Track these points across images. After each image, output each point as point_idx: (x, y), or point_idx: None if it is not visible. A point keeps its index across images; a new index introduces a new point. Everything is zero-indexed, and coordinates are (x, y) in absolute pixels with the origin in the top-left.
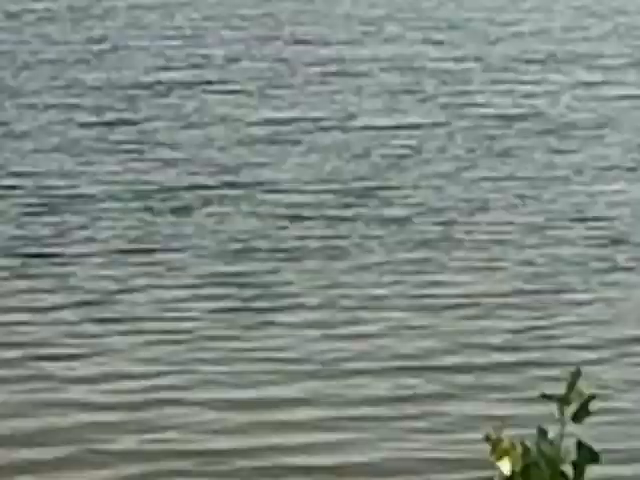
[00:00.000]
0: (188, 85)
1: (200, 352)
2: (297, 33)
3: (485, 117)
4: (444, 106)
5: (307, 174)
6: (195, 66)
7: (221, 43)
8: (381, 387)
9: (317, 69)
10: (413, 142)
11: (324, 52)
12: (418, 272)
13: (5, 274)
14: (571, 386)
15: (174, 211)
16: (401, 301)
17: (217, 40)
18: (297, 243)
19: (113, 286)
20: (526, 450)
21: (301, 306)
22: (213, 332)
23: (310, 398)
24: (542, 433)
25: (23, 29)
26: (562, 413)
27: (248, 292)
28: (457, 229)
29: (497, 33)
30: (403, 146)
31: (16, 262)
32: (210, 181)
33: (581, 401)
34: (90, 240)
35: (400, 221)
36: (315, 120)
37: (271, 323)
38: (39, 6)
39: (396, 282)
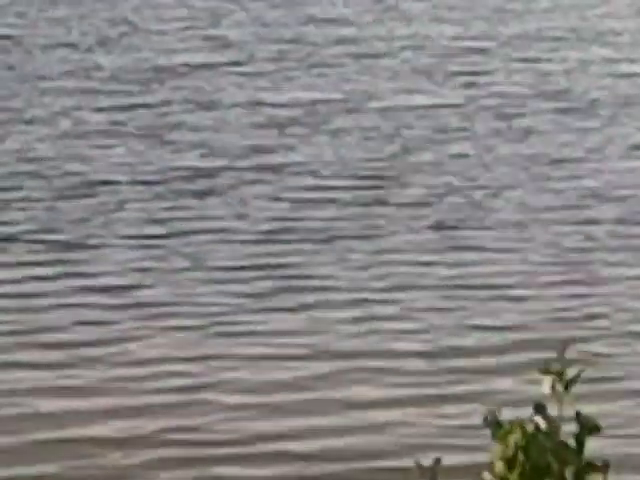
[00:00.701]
0: (207, 67)
1: (228, 337)
2: (315, 13)
3: (506, 96)
4: (464, 86)
5: (329, 156)
6: (213, 48)
7: (239, 24)
8: (414, 368)
9: (336, 49)
10: (435, 122)
11: (342, 32)
12: (445, 253)
13: (25, 260)
14: (560, 359)
15: (197, 195)
16: (430, 281)
17: (235, 21)
18: (323, 225)
19: (139, 272)
20: (524, 431)
21: (331, 288)
22: (242, 317)
23: (343, 380)
24: (539, 408)
25: (36, 12)
26: (555, 387)
27: (276, 275)
28: (482, 210)
29: (513, 10)
30: (425, 127)
31: (36, 248)
32: (232, 164)
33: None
34: (112, 225)
35: (425, 202)
36: (336, 101)
37: (301, 306)
38: None
39: (424, 263)
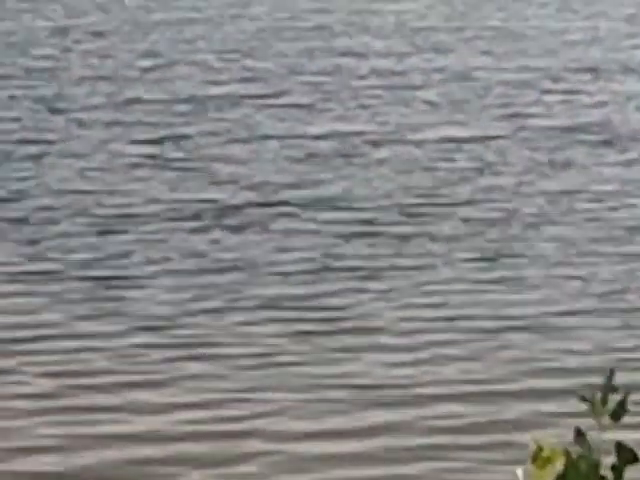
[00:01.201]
0: (242, 99)
1: (268, 379)
2: (349, 45)
3: (543, 129)
4: (501, 118)
5: (365, 190)
6: (248, 80)
7: (273, 56)
8: (458, 413)
9: (372, 81)
10: (472, 155)
11: (377, 64)
12: (485, 290)
13: (61, 298)
14: (607, 387)
15: (234, 229)
16: (469, 323)
17: (269, 53)
18: (360, 262)
19: (174, 309)
20: (568, 455)
21: (370, 329)
22: (282, 358)
23: (384, 426)
24: (580, 435)
25: (71, 44)
26: (599, 415)
27: (313, 314)
28: (521, 243)
29: (550, 42)
30: (462, 159)
31: (72, 286)
32: (269, 198)
33: (618, 400)
34: (148, 261)
35: (463, 236)
36: (372, 134)
37: (346, 348)
38: (86, 21)
39: (464, 302)
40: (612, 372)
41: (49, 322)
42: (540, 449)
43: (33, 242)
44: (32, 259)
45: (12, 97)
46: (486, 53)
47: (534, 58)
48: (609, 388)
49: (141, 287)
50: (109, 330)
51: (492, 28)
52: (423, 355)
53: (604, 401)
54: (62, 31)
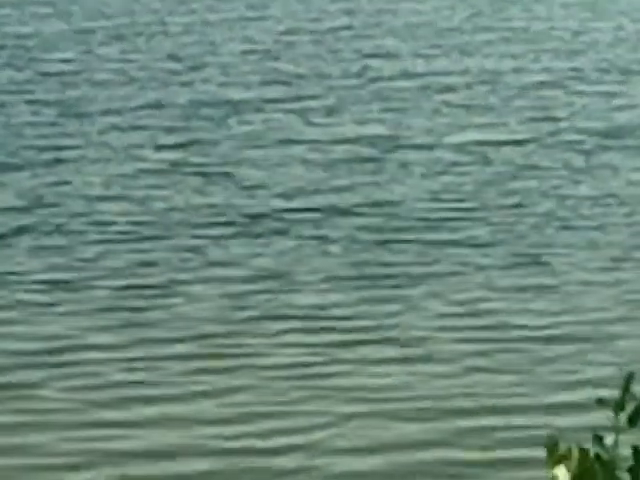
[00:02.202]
0: (265, 103)
1: (300, 391)
2: (374, 46)
3: (576, 131)
4: (532, 121)
5: (394, 195)
6: (272, 83)
7: (297, 59)
8: (492, 427)
9: (397, 84)
10: (503, 159)
11: (403, 66)
12: (519, 299)
13: (91, 307)
14: (625, 391)
15: (263, 237)
16: (502, 333)
17: (293, 56)
18: (391, 270)
19: (209, 319)
20: (584, 455)
21: (402, 340)
22: (328, 368)
23: (418, 440)
24: (597, 439)
25: (94, 47)
26: (617, 418)
27: (345, 324)
28: (554, 250)
29: (575, 43)
30: (493, 163)
31: (102, 294)
32: (295, 205)
33: (636, 405)
34: (180, 270)
35: (495, 243)
36: (398, 138)
37: (373, 359)
38: (110, 23)
39: (496, 311)
40: (631, 376)
41: (78, 334)
42: (555, 446)
43: (62, 250)
44: (61, 268)
45: (35, 102)
46: (512, 54)
47: (561, 59)
48: (627, 393)
49: (172, 295)
50: (139, 340)
51: (517, 29)
52: (456, 367)
53: (621, 406)
54: (85, 32)
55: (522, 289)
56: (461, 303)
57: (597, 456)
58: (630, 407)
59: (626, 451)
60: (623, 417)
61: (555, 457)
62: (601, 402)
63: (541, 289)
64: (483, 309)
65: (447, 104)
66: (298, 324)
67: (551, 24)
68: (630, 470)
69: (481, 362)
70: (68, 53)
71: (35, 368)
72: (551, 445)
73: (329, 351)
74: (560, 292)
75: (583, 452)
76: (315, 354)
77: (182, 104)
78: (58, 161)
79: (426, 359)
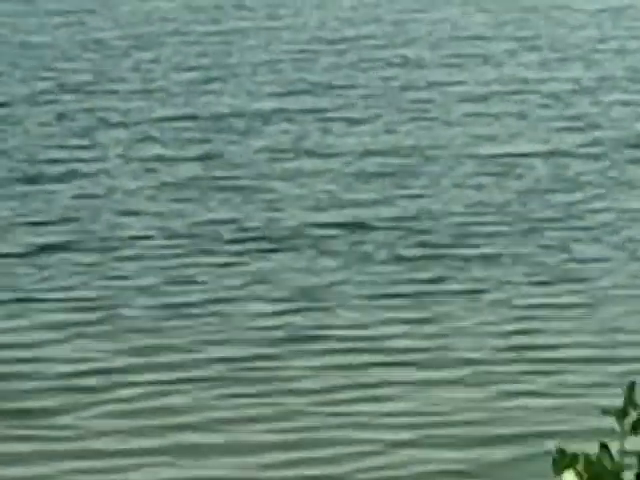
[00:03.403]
0: (289, 114)
1: (333, 418)
2: (398, 56)
3: (610, 141)
4: (564, 131)
5: (423, 208)
6: (295, 93)
7: (321, 69)
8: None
9: (422, 94)
10: (536, 170)
11: (427, 75)
12: (552, 317)
13: (127, 327)
14: (628, 399)
15: (295, 252)
16: (538, 353)
17: (317, 66)
18: (421, 287)
19: (266, 339)
20: (589, 462)
21: (435, 362)
22: (345, 394)
23: (451, 468)
24: (603, 447)
25: (114, 56)
26: (621, 427)
27: (375, 345)
28: (588, 266)
29: (599, 51)
30: (525, 175)
31: (134, 314)
32: (325, 219)
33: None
34: (212, 288)
35: (528, 257)
36: (424, 149)
37: (405, 382)
38: (129, 32)
39: (530, 330)
40: (633, 385)
41: (106, 356)
42: (562, 454)
43: (90, 267)
44: (87, 286)
45: (55, 113)
46: (538, 63)
47: (588, 68)
48: (630, 401)
49: (204, 316)
50: (169, 364)
51: (539, 37)
52: (489, 391)
53: (625, 414)
54: (103, 42)
55: (555, 306)
56: (493, 323)
57: (601, 462)
58: (633, 415)
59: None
60: (627, 424)
61: (563, 463)
62: (606, 412)
63: (578, 308)
64: (520, 329)
65: (476, 114)
66: (334, 345)
67: (573, 32)
68: (638, 476)
69: (519, 386)
70: (87, 64)
71: (62, 392)
72: (559, 453)
73: (364, 374)
74: (598, 311)
75: (589, 458)
76: (350, 377)
77: (205, 116)
78: (79, 174)
79: (459, 381)
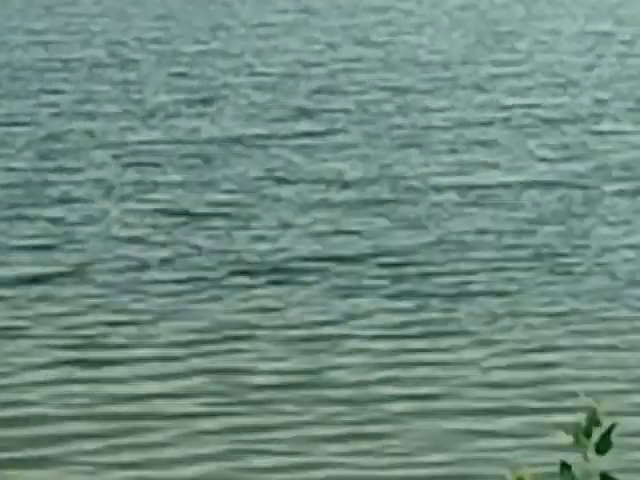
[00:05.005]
0: (281, 139)
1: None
2: (385, 80)
3: (627, 167)
4: (582, 158)
5: (431, 242)
6: (292, 118)
7: (305, 93)
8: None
9: (433, 119)
10: (555, 200)
11: (413, 101)
12: (593, 333)
13: (149, 350)
14: (590, 419)
15: (302, 285)
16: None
17: (315, 88)
18: (437, 327)
19: (291, 366)
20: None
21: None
22: (364, 415)
23: None
24: (565, 467)
25: (113, 75)
26: (584, 446)
27: (398, 373)
28: (612, 304)
29: (595, 76)
30: (544, 204)
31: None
32: (328, 252)
33: (601, 433)
34: (213, 319)
35: (550, 291)
36: (433, 176)
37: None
38: (118, 52)
39: (557, 363)
40: (595, 408)
41: (113, 388)
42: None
43: (85, 298)
44: (112, 309)
45: (64, 130)
46: (525, 88)
47: (577, 95)
48: (593, 421)
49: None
50: (173, 393)
51: (526, 62)
52: (513, 423)
53: (587, 434)
54: (102, 64)
55: (577, 346)
56: (506, 354)
57: None
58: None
59: None
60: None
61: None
62: (568, 433)
63: (591, 336)
64: (536, 361)
65: (484, 142)
66: (344, 376)
67: (563, 57)
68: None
69: (539, 419)
70: (83, 84)
71: (76, 420)
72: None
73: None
74: (624, 344)
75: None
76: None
77: (200, 138)
78: (67, 200)
79: (479, 413)
